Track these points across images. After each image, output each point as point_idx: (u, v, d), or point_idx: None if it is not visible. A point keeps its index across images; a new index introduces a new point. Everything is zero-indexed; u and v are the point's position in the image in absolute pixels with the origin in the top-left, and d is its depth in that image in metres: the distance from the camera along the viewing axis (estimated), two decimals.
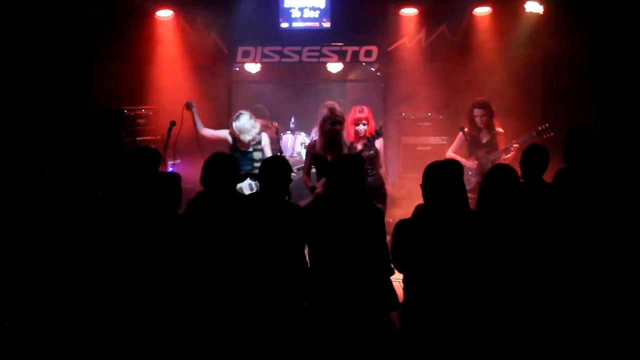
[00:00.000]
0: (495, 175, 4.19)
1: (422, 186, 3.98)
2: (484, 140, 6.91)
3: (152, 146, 7.45)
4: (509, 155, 6.66)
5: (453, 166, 4.03)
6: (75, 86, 7.13)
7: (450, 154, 7.07)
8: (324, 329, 3.96)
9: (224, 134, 7.05)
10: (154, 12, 8.03)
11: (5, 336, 4.18)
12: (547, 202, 4.48)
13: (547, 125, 6.67)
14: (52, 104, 6.88)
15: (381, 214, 4.30)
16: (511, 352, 3.78)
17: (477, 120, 6.86)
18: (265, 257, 4.05)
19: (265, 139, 7.04)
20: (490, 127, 6.86)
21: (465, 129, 6.98)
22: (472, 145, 6.92)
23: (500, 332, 3.78)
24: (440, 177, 3.92)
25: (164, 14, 8.07)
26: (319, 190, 5.63)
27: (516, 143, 6.68)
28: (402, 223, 4.03)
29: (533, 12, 7.97)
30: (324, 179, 5.65)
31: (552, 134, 6.58)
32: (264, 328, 3.96)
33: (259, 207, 4.20)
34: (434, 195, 3.92)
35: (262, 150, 6.99)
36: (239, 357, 3.93)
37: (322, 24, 8.21)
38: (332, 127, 5.77)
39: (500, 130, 6.94)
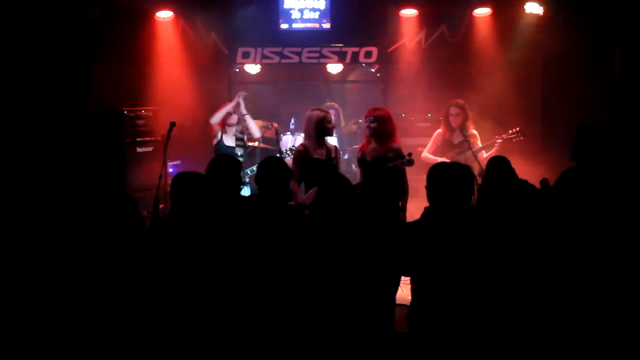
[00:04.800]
0: (494, 173, 4.18)
1: (427, 187, 3.96)
2: (456, 142, 6.97)
3: (152, 147, 7.56)
4: (492, 151, 6.80)
5: (459, 168, 4.00)
6: (75, 87, 7.14)
7: (425, 154, 7.10)
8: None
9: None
10: (154, 13, 8.03)
11: (5, 336, 4.18)
12: (543, 203, 4.45)
13: (517, 129, 6.85)
14: (52, 105, 6.89)
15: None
16: (520, 354, 3.77)
17: (452, 119, 6.97)
18: (263, 262, 4.02)
19: (249, 120, 7.23)
20: (463, 129, 6.90)
21: (439, 130, 7.09)
22: (444, 146, 7.04)
23: (508, 333, 3.76)
24: (446, 178, 3.89)
25: (164, 15, 8.07)
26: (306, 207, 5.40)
27: (499, 138, 6.90)
28: (408, 226, 4.00)
29: (533, 13, 7.99)
30: (313, 190, 5.44)
31: (521, 138, 6.90)
32: (263, 332, 3.94)
33: (258, 210, 4.17)
34: (439, 197, 3.90)
35: (244, 146, 7.13)
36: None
37: (322, 25, 8.22)
38: (330, 125, 5.84)
39: (474, 132, 7.00)
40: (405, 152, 5.79)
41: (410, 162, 5.71)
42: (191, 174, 4.20)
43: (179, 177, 4.19)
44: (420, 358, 3.80)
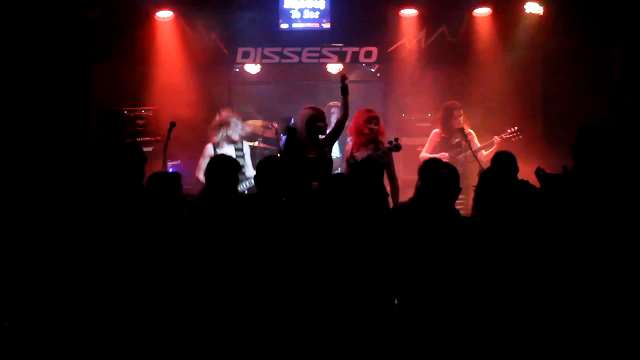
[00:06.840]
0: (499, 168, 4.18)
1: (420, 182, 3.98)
2: (454, 142, 7.03)
3: (152, 147, 7.55)
4: (491, 150, 6.90)
5: (451, 168, 4.03)
6: (75, 87, 7.12)
7: (424, 155, 7.14)
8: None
9: (209, 152, 6.84)
10: (153, 13, 8.04)
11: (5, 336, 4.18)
12: (542, 201, 4.45)
13: (515, 128, 6.93)
14: (51, 105, 6.88)
15: None
16: (508, 353, 3.76)
17: (459, 121, 7.05)
18: (262, 259, 4.02)
19: (247, 148, 6.95)
20: (461, 129, 6.96)
21: (436, 130, 7.19)
22: (442, 146, 7.13)
23: (495, 333, 3.76)
24: (439, 175, 3.92)
25: (164, 14, 8.08)
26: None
27: (498, 137, 6.98)
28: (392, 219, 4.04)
29: (533, 13, 8.00)
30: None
31: (520, 137, 6.99)
32: (263, 331, 3.94)
33: (257, 209, 4.18)
34: (425, 193, 3.93)
35: (243, 157, 6.86)
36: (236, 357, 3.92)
37: (322, 24, 8.22)
38: (320, 124, 5.72)
39: (471, 131, 7.08)
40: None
41: (398, 147, 5.75)
42: (165, 174, 4.23)
43: (153, 177, 4.23)
44: (408, 356, 3.81)
